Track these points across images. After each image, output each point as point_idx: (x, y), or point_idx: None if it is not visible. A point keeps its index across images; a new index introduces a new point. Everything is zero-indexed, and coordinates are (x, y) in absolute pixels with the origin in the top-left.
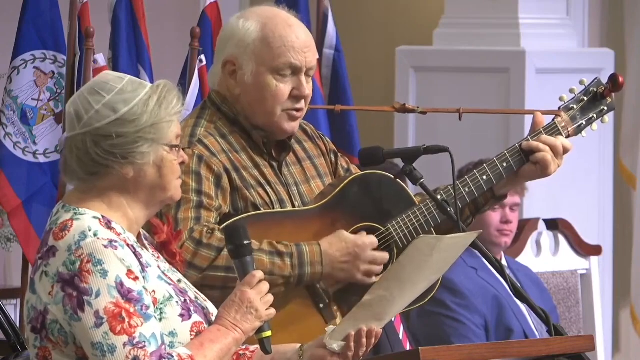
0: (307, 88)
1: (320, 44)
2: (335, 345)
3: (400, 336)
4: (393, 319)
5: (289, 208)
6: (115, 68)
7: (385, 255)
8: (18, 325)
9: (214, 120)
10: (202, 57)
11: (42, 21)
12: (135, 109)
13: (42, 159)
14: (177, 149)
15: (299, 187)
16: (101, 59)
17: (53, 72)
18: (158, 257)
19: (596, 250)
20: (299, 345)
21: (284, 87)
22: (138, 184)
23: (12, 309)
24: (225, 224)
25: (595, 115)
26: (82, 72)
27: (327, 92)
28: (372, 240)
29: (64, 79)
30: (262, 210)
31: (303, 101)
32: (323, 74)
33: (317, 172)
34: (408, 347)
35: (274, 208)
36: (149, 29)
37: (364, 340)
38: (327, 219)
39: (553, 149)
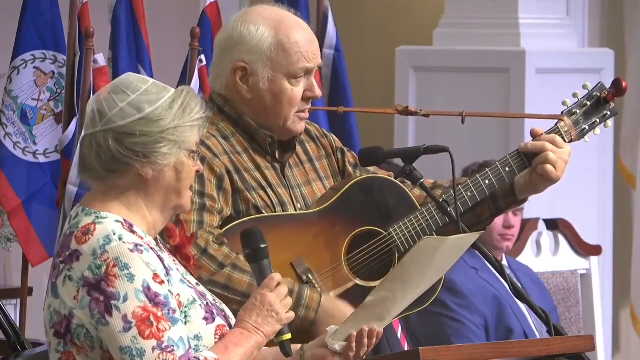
0: (318, 88)
1: (320, 44)
2: (337, 345)
3: (399, 336)
4: None
5: (291, 211)
6: (115, 68)
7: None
8: (18, 325)
9: (215, 122)
10: (202, 57)
11: (42, 21)
12: (159, 110)
13: (42, 159)
14: (196, 155)
15: (301, 188)
16: (101, 59)
17: (53, 72)
18: (174, 261)
19: (596, 250)
20: (299, 345)
21: (298, 91)
22: (156, 186)
23: (12, 309)
24: (242, 230)
25: (598, 120)
26: (82, 72)
27: (327, 92)
28: None
29: (64, 79)
30: (264, 214)
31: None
32: (323, 74)
33: (317, 174)
34: (406, 348)
35: (275, 211)
36: (149, 29)
37: (366, 340)
38: (328, 222)
39: (553, 143)
